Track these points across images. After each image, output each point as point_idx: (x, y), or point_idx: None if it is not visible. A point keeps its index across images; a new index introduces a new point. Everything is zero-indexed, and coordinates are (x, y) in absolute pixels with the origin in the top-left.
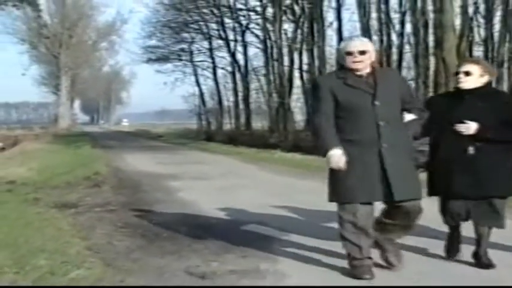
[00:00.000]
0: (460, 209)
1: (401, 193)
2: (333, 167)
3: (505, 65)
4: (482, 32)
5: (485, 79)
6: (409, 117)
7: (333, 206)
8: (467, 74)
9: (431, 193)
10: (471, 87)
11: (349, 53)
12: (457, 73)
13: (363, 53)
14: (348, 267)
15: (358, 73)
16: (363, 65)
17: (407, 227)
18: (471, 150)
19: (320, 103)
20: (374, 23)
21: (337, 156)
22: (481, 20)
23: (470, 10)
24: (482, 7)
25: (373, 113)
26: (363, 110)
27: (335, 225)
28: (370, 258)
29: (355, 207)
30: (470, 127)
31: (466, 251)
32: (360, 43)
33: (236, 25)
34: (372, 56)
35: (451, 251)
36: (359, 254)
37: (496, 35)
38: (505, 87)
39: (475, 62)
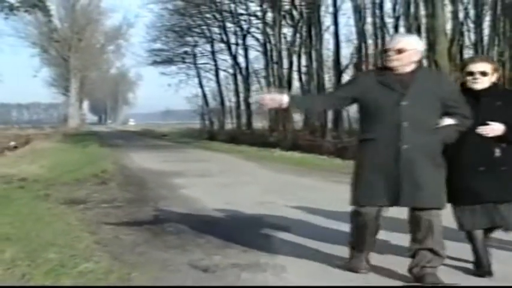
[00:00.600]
0: (483, 215)
1: (410, 200)
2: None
3: None
4: (472, 36)
5: (494, 77)
6: (447, 121)
7: (330, 203)
8: (483, 74)
9: (448, 200)
10: (485, 87)
11: (386, 51)
12: (471, 73)
13: (400, 51)
14: (346, 259)
15: (396, 71)
16: (399, 64)
17: (425, 244)
18: (497, 152)
19: (339, 87)
20: (369, 27)
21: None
22: (471, 25)
23: (461, 15)
24: (472, 12)
25: (397, 113)
26: (386, 108)
27: (333, 220)
28: (367, 261)
29: (367, 208)
30: (496, 128)
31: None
32: (397, 41)
33: (237, 29)
34: (412, 55)
35: (482, 265)
36: (361, 247)
37: (486, 38)
38: None
39: (488, 60)
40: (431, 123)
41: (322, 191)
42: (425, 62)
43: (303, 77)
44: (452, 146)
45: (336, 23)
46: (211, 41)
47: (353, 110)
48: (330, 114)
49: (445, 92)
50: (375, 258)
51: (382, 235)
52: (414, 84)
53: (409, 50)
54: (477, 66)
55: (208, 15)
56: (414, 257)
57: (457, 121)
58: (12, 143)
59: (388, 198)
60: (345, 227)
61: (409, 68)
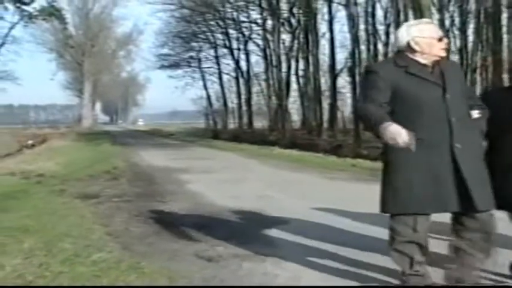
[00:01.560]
0: None
1: (484, 202)
2: (399, 142)
3: (478, 71)
4: (458, 42)
5: None
6: (475, 114)
7: (326, 197)
8: None
9: None
10: None
11: (440, 39)
12: None
13: (440, 40)
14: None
15: (423, 62)
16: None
17: (486, 243)
18: None
19: (371, 91)
20: (362, 34)
21: (397, 128)
22: (457, 32)
23: (447, 23)
24: (457, 20)
25: (444, 108)
26: (432, 103)
27: (329, 213)
28: (422, 275)
29: (416, 219)
30: None
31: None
32: (438, 30)
33: (239, 35)
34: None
35: None
36: (410, 266)
37: (470, 45)
38: (477, 91)
39: None
40: (470, 118)
41: (318, 186)
42: None
43: (301, 80)
44: (491, 147)
45: (331, 29)
46: (215, 47)
47: (348, 110)
48: (325, 115)
49: (464, 83)
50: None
51: None
52: (446, 76)
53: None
54: None
55: (212, 23)
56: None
57: (480, 113)
58: (30, 142)
59: (439, 204)
60: (340, 220)
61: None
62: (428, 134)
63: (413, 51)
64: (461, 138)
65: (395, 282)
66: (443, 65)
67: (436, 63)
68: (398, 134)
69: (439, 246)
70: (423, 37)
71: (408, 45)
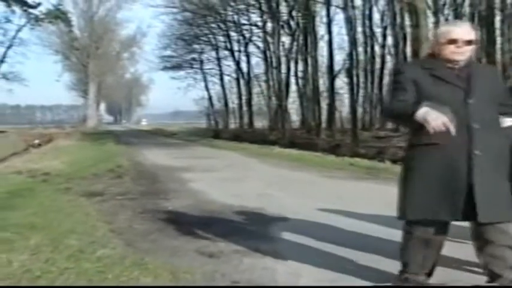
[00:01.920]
0: None
1: (488, 214)
2: (434, 126)
3: None
4: None
5: None
6: (507, 122)
7: (325, 195)
8: None
9: None
10: None
11: (453, 41)
12: None
13: (469, 43)
14: (396, 275)
15: (450, 65)
16: (463, 57)
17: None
18: None
19: (398, 92)
20: (360, 36)
21: (434, 111)
22: None
23: None
24: None
25: (465, 113)
26: (453, 108)
27: (328, 211)
28: (427, 274)
29: (431, 224)
30: None
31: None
32: (467, 31)
33: (240, 38)
34: (474, 49)
35: None
36: (417, 269)
37: None
38: None
39: None
40: (498, 125)
41: (317, 184)
42: None
43: (300, 81)
44: None
45: (329, 32)
46: (216, 49)
47: (345, 110)
48: (324, 115)
49: (500, 89)
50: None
51: None
52: (473, 80)
53: (475, 42)
54: None
55: (213, 25)
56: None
57: None
58: (37, 141)
59: (454, 211)
60: (339, 218)
61: (463, 62)
62: (446, 138)
63: (438, 53)
64: (483, 145)
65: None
66: (474, 68)
67: (466, 66)
68: (437, 115)
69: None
70: (437, 40)
71: (432, 47)
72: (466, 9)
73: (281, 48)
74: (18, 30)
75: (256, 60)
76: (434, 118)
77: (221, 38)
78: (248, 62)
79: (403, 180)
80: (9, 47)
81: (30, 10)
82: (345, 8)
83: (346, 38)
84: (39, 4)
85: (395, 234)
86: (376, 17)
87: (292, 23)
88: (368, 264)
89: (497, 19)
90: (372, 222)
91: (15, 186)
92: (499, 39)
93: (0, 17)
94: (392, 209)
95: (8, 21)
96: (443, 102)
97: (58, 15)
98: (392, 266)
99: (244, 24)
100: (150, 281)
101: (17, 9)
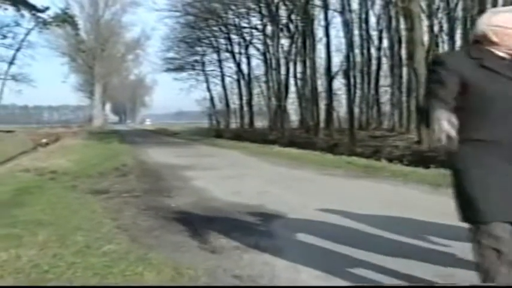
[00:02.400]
0: None
1: None
2: (437, 138)
3: None
4: (446, 47)
5: None
6: None
7: (323, 192)
8: None
9: None
10: None
11: None
12: None
13: None
14: None
15: (501, 54)
16: None
17: None
18: None
19: (435, 85)
20: (356, 39)
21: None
22: (445, 37)
23: (436, 29)
24: (445, 26)
25: None
26: (506, 101)
27: (326, 208)
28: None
29: (497, 228)
30: None
31: None
32: None
33: (241, 40)
34: None
35: None
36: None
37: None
38: None
39: None
40: None
41: (315, 182)
42: (405, 70)
43: (299, 82)
44: None
45: (327, 35)
46: (217, 51)
47: (343, 110)
48: (322, 115)
49: None
50: None
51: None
52: None
53: None
54: None
55: (215, 28)
56: None
57: None
58: (44, 140)
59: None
60: (337, 216)
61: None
62: (502, 135)
63: (491, 42)
64: None
65: (397, 282)
66: None
67: None
68: (440, 126)
69: None
70: (506, 27)
71: (486, 34)
72: (459, 13)
73: (280, 50)
74: (27, 34)
75: (257, 62)
76: (438, 129)
77: (222, 41)
78: (248, 63)
79: (456, 183)
80: (18, 50)
81: (39, 14)
82: (342, 12)
83: (343, 40)
84: (47, 8)
85: (391, 231)
86: (373, 20)
87: (291, 26)
88: (366, 259)
89: None
90: (369, 219)
91: (24, 184)
92: None
93: (9, 21)
94: (388, 206)
95: (18, 24)
96: (495, 95)
97: (65, 18)
98: (389, 261)
99: (244, 27)
100: (154, 275)
101: (26, 13)
